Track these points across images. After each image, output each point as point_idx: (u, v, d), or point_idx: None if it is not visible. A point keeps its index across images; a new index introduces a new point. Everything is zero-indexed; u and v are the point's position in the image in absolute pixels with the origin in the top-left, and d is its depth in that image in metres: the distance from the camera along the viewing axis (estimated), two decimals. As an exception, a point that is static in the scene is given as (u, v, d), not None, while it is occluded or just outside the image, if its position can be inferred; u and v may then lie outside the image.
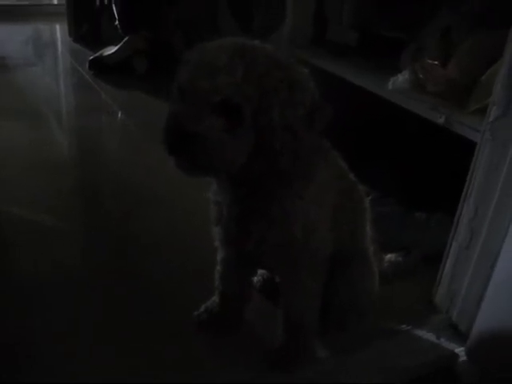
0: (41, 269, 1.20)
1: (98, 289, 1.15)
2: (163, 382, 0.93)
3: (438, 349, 1.05)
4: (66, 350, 0.98)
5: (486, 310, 0.99)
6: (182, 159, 0.74)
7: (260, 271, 1.13)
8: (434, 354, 1.04)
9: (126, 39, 2.61)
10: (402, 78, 1.40)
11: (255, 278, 1.13)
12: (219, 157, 0.72)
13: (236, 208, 0.85)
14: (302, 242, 0.84)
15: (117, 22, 2.68)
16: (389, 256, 1.19)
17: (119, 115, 2.21)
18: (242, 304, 1.04)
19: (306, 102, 0.74)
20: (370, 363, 1.00)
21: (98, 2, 3.05)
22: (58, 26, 3.41)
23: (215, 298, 1.05)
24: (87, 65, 2.60)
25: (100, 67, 2.59)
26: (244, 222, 0.84)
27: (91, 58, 2.61)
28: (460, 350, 1.04)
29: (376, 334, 1.05)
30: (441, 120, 1.24)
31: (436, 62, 1.35)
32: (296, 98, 0.73)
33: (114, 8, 2.66)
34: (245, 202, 0.83)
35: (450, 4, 1.50)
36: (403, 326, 1.08)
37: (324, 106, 0.76)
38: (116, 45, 2.63)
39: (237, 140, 0.72)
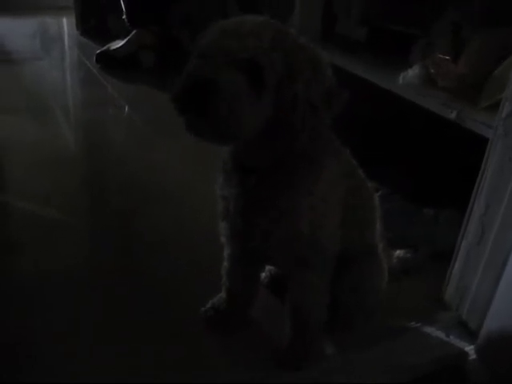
0: (41, 268, 1.19)
1: (99, 288, 1.14)
2: (163, 382, 0.93)
3: (447, 347, 1.04)
4: (66, 350, 0.98)
5: (496, 307, 0.98)
6: (196, 116, 0.69)
7: (268, 267, 1.12)
8: (442, 352, 1.03)
9: (133, 33, 2.60)
10: (412, 73, 1.39)
11: (263, 274, 1.12)
12: (235, 114, 0.68)
13: (242, 201, 0.84)
14: (309, 237, 0.83)
15: (124, 16, 2.68)
16: (397, 252, 1.19)
17: (126, 109, 2.20)
18: (249, 300, 1.03)
19: (326, 83, 0.75)
20: (377, 361, 0.99)
21: (105, -4, 3.04)
22: (65, 20, 3.40)
23: (222, 294, 1.04)
24: (94, 58, 2.59)
25: (107, 61, 2.57)
26: (251, 216, 0.83)
27: (98, 51, 2.60)
28: (470, 349, 1.03)
29: (384, 332, 1.04)
30: (452, 115, 1.22)
31: (447, 57, 1.34)
32: (318, 78, 0.74)
33: (122, 1, 2.65)
34: (252, 193, 0.82)
35: (460, 0, 1.49)
36: (412, 323, 1.07)
37: (341, 90, 0.77)
38: (123, 38, 2.62)
39: (256, 104, 0.70)
